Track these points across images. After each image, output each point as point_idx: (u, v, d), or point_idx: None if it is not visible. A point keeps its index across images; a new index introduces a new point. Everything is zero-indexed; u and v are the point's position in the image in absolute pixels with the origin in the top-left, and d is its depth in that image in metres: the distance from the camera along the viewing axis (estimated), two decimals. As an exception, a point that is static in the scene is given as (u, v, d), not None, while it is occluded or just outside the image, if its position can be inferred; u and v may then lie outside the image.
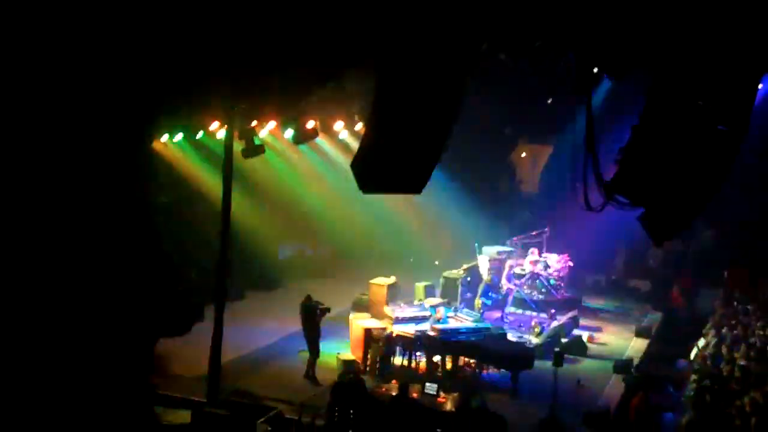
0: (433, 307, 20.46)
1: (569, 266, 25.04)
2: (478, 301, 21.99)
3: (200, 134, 19.92)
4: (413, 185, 11.40)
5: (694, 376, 17.39)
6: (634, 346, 21.60)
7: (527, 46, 13.08)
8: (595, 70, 11.16)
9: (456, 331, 18.73)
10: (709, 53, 8.85)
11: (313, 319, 18.11)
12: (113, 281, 20.03)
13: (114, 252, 19.95)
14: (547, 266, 24.40)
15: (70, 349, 16.89)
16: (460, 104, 10.59)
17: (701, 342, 20.05)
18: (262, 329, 20.98)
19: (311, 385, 17.31)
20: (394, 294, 22.00)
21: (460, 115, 10.64)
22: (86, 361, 16.46)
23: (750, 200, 27.17)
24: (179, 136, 20.04)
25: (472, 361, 18.26)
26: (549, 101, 24.83)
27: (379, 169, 11.03)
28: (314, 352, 17.98)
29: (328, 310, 18.49)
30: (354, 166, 10.89)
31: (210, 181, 21.57)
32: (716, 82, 8.85)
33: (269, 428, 13.96)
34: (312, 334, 18.08)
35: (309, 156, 25.50)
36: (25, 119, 15.46)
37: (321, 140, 23.33)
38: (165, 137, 20.00)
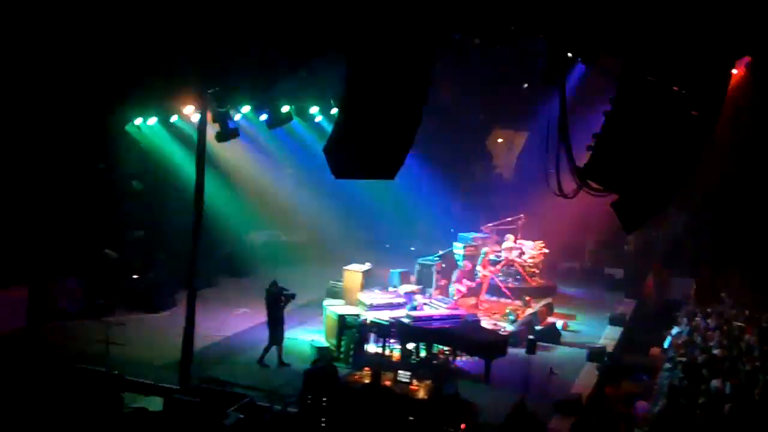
0: (409, 294, 20.46)
1: (544, 253, 25.07)
2: (452, 288, 21.93)
3: (174, 118, 19.72)
4: (386, 170, 11.33)
5: (667, 365, 17.46)
6: (608, 334, 21.60)
7: (501, 30, 13.02)
8: (569, 54, 11.11)
9: (430, 319, 18.67)
10: (681, 38, 8.79)
11: (277, 305, 17.96)
12: (79, 262, 19.99)
13: (80, 232, 19.90)
14: (522, 253, 24.42)
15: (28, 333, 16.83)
16: (428, 88, 10.52)
17: (674, 330, 20.14)
18: (233, 316, 20.83)
19: (283, 372, 17.13)
20: (368, 281, 21.89)
21: (428, 98, 10.56)
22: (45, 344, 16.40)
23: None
24: (153, 120, 19.82)
25: (446, 348, 18.17)
26: (524, 86, 24.79)
27: (352, 154, 10.96)
28: (277, 338, 17.79)
29: (293, 296, 18.30)
30: (326, 151, 10.80)
31: (184, 166, 21.36)
32: (689, 67, 8.80)
33: (241, 416, 13.81)
34: (275, 320, 17.92)
35: (284, 140, 25.29)
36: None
37: (296, 124, 23.13)
38: (139, 120, 19.78)
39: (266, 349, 17.74)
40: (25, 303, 18.51)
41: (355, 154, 10.92)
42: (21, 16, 14.87)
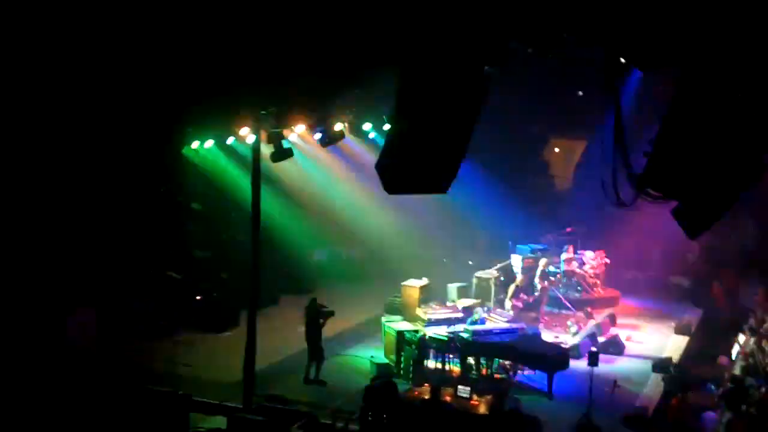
0: (468, 308, 20.33)
1: (606, 263, 24.73)
2: (507, 303, 21.70)
3: (231, 140, 19.93)
4: (438, 185, 11.26)
5: (734, 374, 17.05)
6: (674, 345, 21.21)
7: (554, 39, 12.90)
8: (623, 60, 10.93)
9: (489, 332, 18.52)
10: (740, 41, 8.59)
11: (316, 322, 17.99)
12: (144, 284, 20.31)
13: (145, 254, 20.22)
14: (582, 263, 24.11)
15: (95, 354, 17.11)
16: (481, 102, 10.45)
17: (741, 339, 19.67)
18: (295, 334, 20.93)
19: (345, 390, 17.14)
20: (426, 296, 21.82)
21: (481, 112, 10.49)
22: (113, 366, 16.65)
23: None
24: (210, 143, 20.07)
25: (506, 362, 17.99)
26: (579, 94, 24.54)
27: (404, 169, 10.91)
28: (317, 356, 17.87)
29: (332, 313, 18.38)
30: (378, 167, 10.79)
31: (243, 187, 21.57)
32: (748, 70, 8.59)
33: (303, 433, 13.88)
34: (314, 338, 17.94)
35: (340, 157, 25.40)
36: (57, 121, 15.70)
37: (351, 141, 23.22)
38: (196, 144, 20.03)
39: (308, 367, 17.80)
40: (93, 325, 18.85)
41: (407, 169, 10.86)
42: (83, 43, 15.18)
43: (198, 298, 22.17)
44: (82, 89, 16.04)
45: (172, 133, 18.78)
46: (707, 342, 21.69)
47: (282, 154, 18.28)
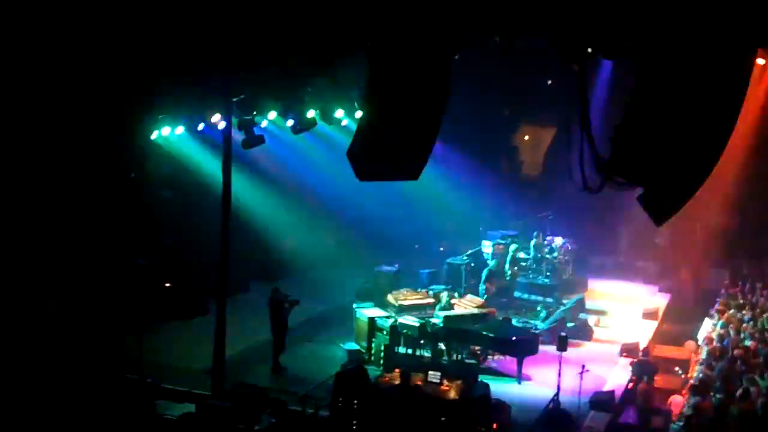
0: (438, 294, 20.44)
1: (574, 249, 24.92)
2: (482, 287, 21.84)
3: (201, 126, 19.81)
4: (410, 171, 11.33)
5: (701, 358, 17.30)
6: (641, 329, 21.43)
7: (519, 27, 12.98)
8: (589, 50, 11.02)
9: (460, 318, 18.64)
10: (700, 28, 8.69)
11: (280, 312, 17.98)
12: (110, 272, 20.13)
13: (111, 242, 20.03)
14: (552, 249, 24.27)
15: (63, 342, 16.98)
16: (448, 88, 10.51)
17: (708, 323, 19.94)
18: (265, 321, 20.92)
19: (315, 376, 17.15)
20: (398, 282, 21.91)
21: (449, 99, 10.55)
22: (81, 354, 16.53)
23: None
24: (180, 129, 19.93)
25: (476, 348, 18.12)
26: (549, 82, 24.67)
27: (375, 156, 10.96)
28: (280, 346, 17.88)
29: (296, 302, 18.33)
30: (350, 154, 10.82)
31: (215, 173, 21.46)
32: (709, 56, 8.68)
33: (273, 419, 13.90)
34: (278, 327, 17.95)
35: (310, 143, 25.31)
36: (20, 111, 15.52)
37: (322, 127, 23.15)
38: (166, 130, 19.89)
39: (275, 357, 17.80)
40: (58, 313, 18.68)
41: (378, 156, 10.92)
42: (44, 30, 15.03)
43: (167, 285, 22.04)
44: (46, 75, 15.88)
45: (142, 120, 18.65)
46: (675, 326, 21.97)
47: (253, 140, 18.25)
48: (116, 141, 18.71)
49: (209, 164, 21.97)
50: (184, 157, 21.90)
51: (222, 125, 17.45)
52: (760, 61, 20.03)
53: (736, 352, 16.81)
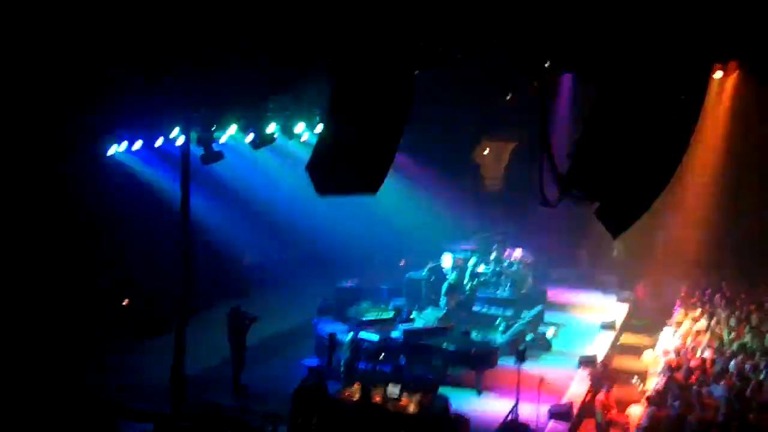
0: (398, 308, 20.47)
1: (534, 262, 25.07)
2: (442, 301, 21.88)
3: (159, 141, 19.67)
4: (368, 186, 11.32)
5: (659, 369, 17.47)
6: (600, 340, 21.61)
7: (481, 44, 13.10)
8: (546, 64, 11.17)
9: (419, 332, 18.69)
10: (658, 42, 8.84)
11: (239, 329, 17.88)
12: (65, 289, 19.87)
13: (64, 260, 19.78)
14: (511, 264, 24.40)
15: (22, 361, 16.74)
16: (411, 104, 10.56)
17: (666, 333, 20.16)
18: (226, 339, 20.79)
19: (275, 393, 17.05)
20: (358, 296, 21.89)
21: (410, 114, 10.60)
22: (41, 374, 16.32)
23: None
24: (138, 144, 19.78)
25: (436, 361, 18.15)
26: (508, 97, 24.86)
27: (334, 171, 10.96)
28: (239, 364, 17.82)
29: (255, 318, 18.25)
30: (309, 168, 10.81)
31: (173, 189, 21.31)
32: (667, 71, 8.83)
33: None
34: (239, 345, 17.86)
35: (271, 158, 25.24)
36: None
37: (282, 142, 23.10)
38: (124, 145, 19.73)
39: (235, 375, 17.69)
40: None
41: (338, 170, 10.91)
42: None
43: (125, 303, 21.82)
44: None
45: (98, 135, 18.49)
46: (632, 337, 22.18)
47: (212, 156, 18.20)
48: (73, 157, 18.54)
49: (168, 180, 21.86)
50: (143, 172, 21.76)
51: (181, 140, 17.36)
52: (717, 75, 20.43)
53: (693, 363, 17.03)
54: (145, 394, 16.61)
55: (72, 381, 16.72)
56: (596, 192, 9.79)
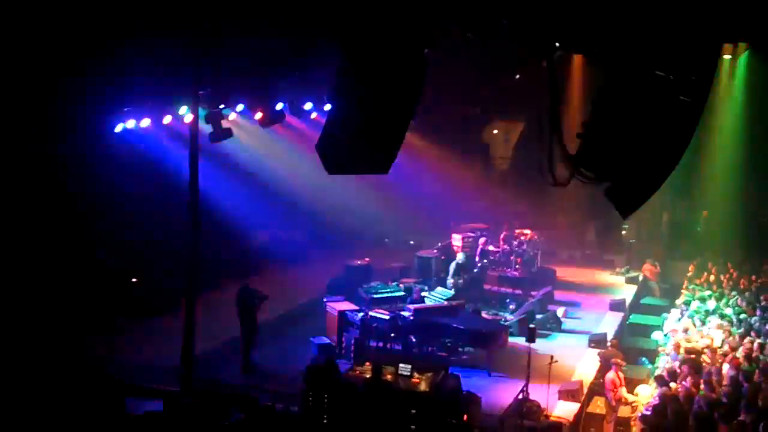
0: (408, 287, 20.52)
1: (543, 241, 25.11)
2: (449, 281, 21.94)
3: (168, 119, 19.66)
4: (379, 165, 11.31)
5: (667, 348, 17.51)
6: (609, 320, 21.65)
7: (491, 24, 13.03)
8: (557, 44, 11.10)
9: (430, 311, 18.73)
10: (667, 23, 8.80)
11: (249, 308, 17.89)
12: (72, 268, 19.92)
13: (70, 239, 19.81)
14: (521, 243, 24.43)
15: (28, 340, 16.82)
16: (421, 83, 10.52)
17: (674, 314, 20.17)
18: (236, 318, 20.86)
19: (286, 372, 17.12)
20: (369, 275, 21.94)
21: (422, 92, 10.57)
22: (47, 353, 16.40)
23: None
24: (147, 121, 19.77)
25: (447, 340, 18.20)
26: (516, 77, 24.83)
27: (345, 150, 10.94)
28: (250, 343, 17.77)
29: (265, 297, 18.21)
30: (319, 147, 10.80)
31: (182, 167, 21.28)
32: (675, 52, 8.80)
33: (242, 416, 13.85)
34: (249, 324, 17.85)
35: (282, 136, 25.20)
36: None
37: (293, 121, 23.07)
38: (132, 123, 19.73)
39: (245, 354, 17.74)
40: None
41: (348, 149, 10.89)
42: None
43: (134, 281, 21.84)
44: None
45: (107, 112, 18.47)
46: (641, 317, 22.19)
47: (221, 134, 18.20)
48: (80, 134, 18.53)
49: (177, 158, 21.83)
50: (150, 150, 21.73)
51: (189, 118, 17.33)
52: (727, 56, 20.37)
53: (701, 343, 17.06)
54: (154, 372, 16.66)
55: (79, 358, 16.76)
56: (606, 172, 9.78)
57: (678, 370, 15.27)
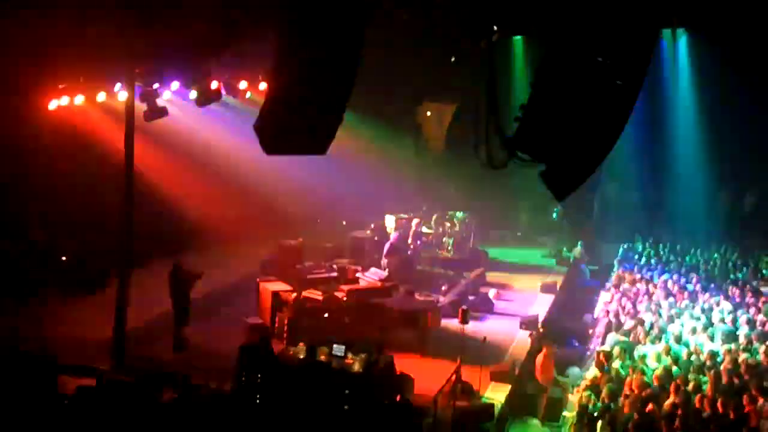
0: (342, 268, 20.53)
1: (475, 223, 25.33)
2: (384, 261, 22.00)
3: (102, 96, 19.28)
4: (317, 146, 11.30)
5: (598, 330, 17.87)
6: (540, 302, 21.96)
7: (429, 5, 13.08)
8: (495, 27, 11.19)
9: (363, 292, 18.77)
10: (603, 7, 8.91)
11: (183, 286, 17.72)
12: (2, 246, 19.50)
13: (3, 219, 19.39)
14: (453, 224, 24.63)
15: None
16: (358, 63, 10.51)
17: (605, 296, 20.58)
18: (167, 295, 20.60)
19: (219, 351, 17.00)
20: (301, 256, 21.87)
21: (357, 74, 10.55)
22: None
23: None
24: (80, 99, 19.36)
25: (380, 321, 18.27)
26: (452, 60, 24.89)
27: (282, 130, 10.88)
28: (182, 320, 17.55)
29: (199, 276, 18.07)
30: (256, 127, 10.72)
31: (116, 144, 20.92)
32: (612, 36, 8.92)
33: (175, 394, 13.75)
34: (180, 301, 17.66)
35: (217, 115, 24.89)
36: None
37: (227, 99, 22.78)
38: (65, 100, 19.30)
39: (176, 332, 17.57)
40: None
41: (285, 129, 10.84)
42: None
43: (64, 258, 21.47)
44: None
45: (40, 89, 18.07)
46: (572, 300, 22.59)
47: (156, 112, 17.92)
48: (12, 110, 18.13)
49: (109, 135, 21.43)
50: (84, 127, 21.32)
51: (124, 96, 17.05)
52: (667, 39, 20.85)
53: (631, 324, 17.43)
54: (84, 350, 16.40)
55: (6, 336, 16.42)
56: (542, 154, 9.89)
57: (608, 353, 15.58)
